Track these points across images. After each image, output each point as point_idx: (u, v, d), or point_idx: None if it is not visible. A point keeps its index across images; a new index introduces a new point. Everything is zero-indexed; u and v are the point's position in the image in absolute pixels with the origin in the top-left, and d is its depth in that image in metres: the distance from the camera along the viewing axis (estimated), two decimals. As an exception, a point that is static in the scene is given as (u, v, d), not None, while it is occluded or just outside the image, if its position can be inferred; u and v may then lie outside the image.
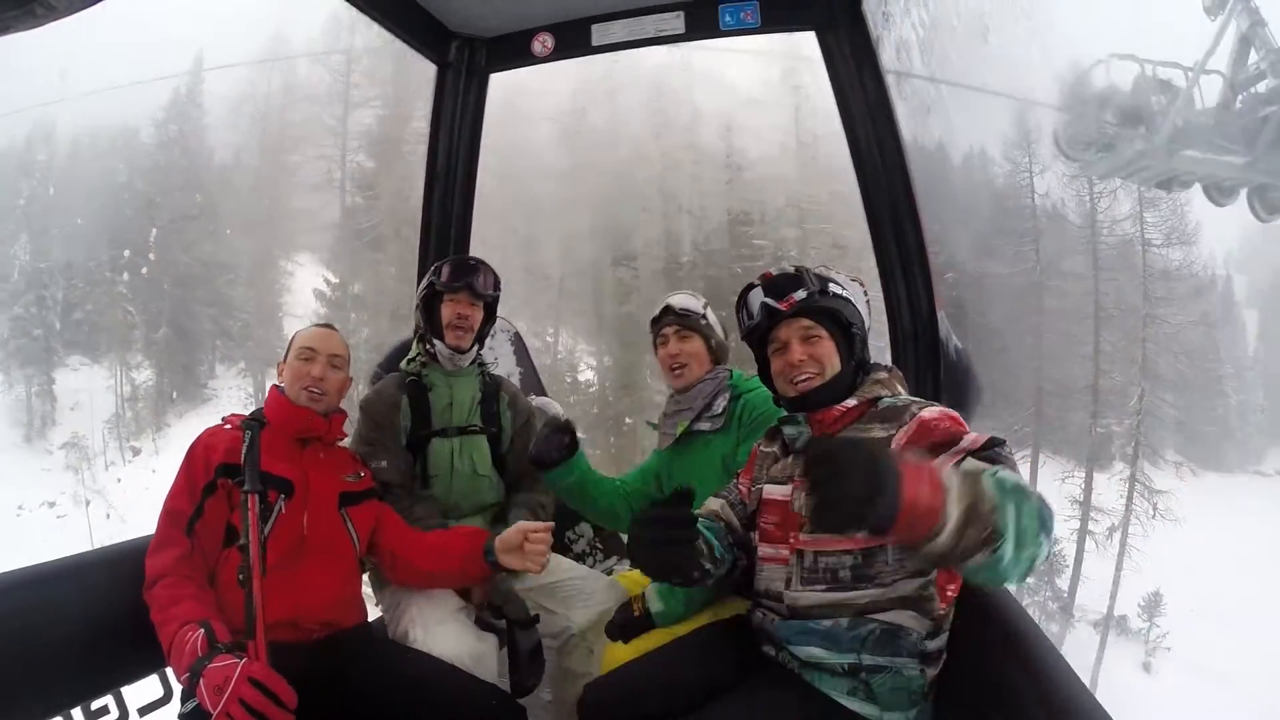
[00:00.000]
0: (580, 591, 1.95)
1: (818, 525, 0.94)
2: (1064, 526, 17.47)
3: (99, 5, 1.00)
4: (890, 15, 2.27)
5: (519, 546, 1.67)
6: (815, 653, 1.36)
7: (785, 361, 1.49)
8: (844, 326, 1.50)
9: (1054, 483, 18.02)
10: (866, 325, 1.58)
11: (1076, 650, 16.59)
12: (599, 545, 2.40)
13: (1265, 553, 17.20)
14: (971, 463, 1.11)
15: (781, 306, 1.48)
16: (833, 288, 1.52)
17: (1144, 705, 15.85)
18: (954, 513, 0.94)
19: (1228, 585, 16.87)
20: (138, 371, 26.53)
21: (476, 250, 2.46)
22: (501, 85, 2.54)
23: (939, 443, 1.24)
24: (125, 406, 26.34)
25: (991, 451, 1.18)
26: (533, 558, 1.66)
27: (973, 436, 1.23)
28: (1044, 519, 1.01)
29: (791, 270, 1.53)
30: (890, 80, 2.16)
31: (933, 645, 1.34)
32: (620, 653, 1.68)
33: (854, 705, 1.33)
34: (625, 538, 1.84)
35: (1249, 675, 15.20)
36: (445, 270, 2.06)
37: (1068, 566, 18.07)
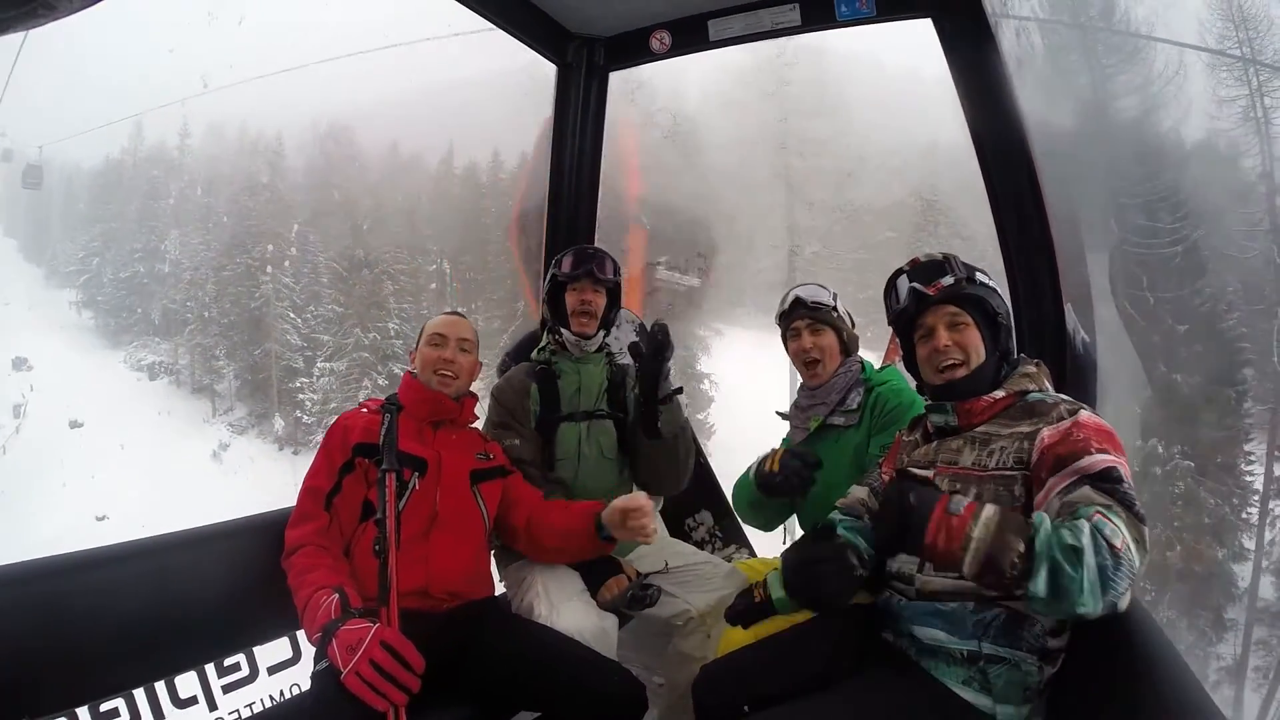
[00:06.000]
0: (699, 577, 1.97)
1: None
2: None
3: (99, 4, 1.06)
4: (1010, -1, 2.20)
5: (621, 524, 1.69)
6: (937, 635, 1.36)
7: (931, 348, 1.50)
8: (990, 316, 1.50)
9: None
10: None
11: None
12: (718, 533, 2.41)
13: None
14: (1057, 502, 1.23)
15: (929, 291, 1.50)
16: (979, 276, 1.51)
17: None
18: (968, 560, 1.17)
19: None
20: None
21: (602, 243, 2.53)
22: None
23: (1062, 455, 1.25)
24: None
25: (1108, 485, 1.20)
26: (636, 534, 1.67)
27: (1092, 460, 1.23)
28: (1104, 580, 1.09)
29: (939, 257, 1.54)
30: (1011, 64, 2.10)
31: (1054, 642, 1.32)
32: (738, 637, 1.68)
33: (968, 695, 1.31)
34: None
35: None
36: (566, 261, 2.10)
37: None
